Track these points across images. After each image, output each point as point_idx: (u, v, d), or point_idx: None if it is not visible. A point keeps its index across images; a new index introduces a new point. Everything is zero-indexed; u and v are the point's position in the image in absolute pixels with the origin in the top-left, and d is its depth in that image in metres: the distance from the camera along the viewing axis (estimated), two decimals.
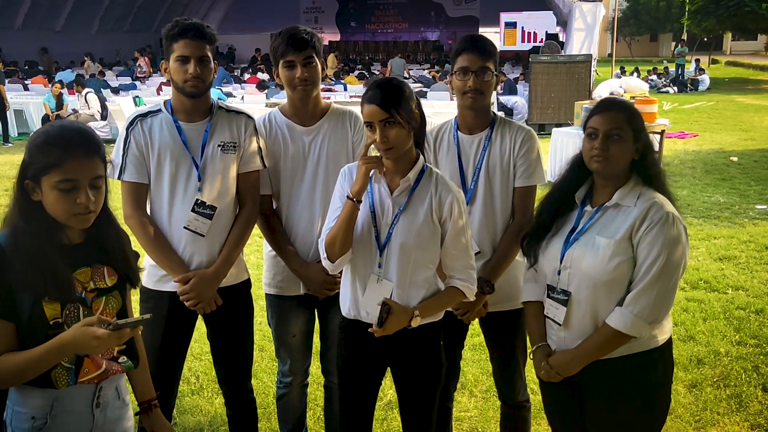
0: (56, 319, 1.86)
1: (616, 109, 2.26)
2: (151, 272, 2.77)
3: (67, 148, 1.85)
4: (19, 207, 1.88)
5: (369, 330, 2.32)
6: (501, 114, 3.11)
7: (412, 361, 2.46)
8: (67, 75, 20.51)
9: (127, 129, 2.71)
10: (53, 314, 1.86)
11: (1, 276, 1.80)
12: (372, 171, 2.40)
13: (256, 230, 2.97)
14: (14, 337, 1.83)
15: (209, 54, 2.65)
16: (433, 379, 2.51)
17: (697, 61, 25.89)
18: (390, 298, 2.35)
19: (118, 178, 2.68)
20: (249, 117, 2.85)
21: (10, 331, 1.82)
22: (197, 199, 2.70)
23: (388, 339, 2.35)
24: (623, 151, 2.23)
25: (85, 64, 21.64)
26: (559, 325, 2.36)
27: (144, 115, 2.74)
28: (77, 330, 1.77)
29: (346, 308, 2.49)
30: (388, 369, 2.57)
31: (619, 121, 2.23)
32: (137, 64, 21.64)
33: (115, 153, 2.74)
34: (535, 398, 3.56)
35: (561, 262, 2.33)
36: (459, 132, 2.82)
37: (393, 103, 2.28)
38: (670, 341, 2.33)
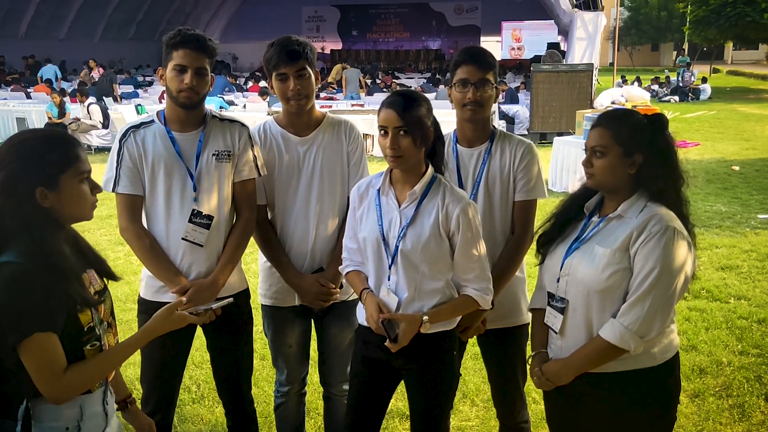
0: (89, 323, 1.91)
1: (604, 125, 2.25)
2: (148, 283, 2.76)
3: (74, 142, 1.93)
4: (27, 219, 1.81)
5: (385, 344, 2.32)
6: (502, 124, 3.11)
7: (425, 370, 2.45)
8: (48, 70, 20.61)
9: (120, 141, 2.69)
10: (87, 320, 1.90)
11: (36, 292, 1.76)
12: (381, 184, 2.43)
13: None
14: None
15: (207, 66, 2.63)
16: (446, 389, 2.50)
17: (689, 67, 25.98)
18: (394, 312, 2.36)
19: (113, 190, 2.65)
20: (243, 125, 2.83)
21: (59, 342, 1.82)
22: (194, 209, 2.68)
23: (402, 347, 2.35)
24: (606, 166, 2.22)
25: (86, 71, 21.40)
26: (556, 333, 2.35)
27: (137, 127, 2.72)
28: (167, 317, 2.05)
29: (362, 317, 2.49)
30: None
31: (603, 138, 2.22)
32: (90, 74, 21.03)
33: (108, 165, 2.71)
34: (537, 407, 3.55)
35: (561, 270, 2.33)
36: (458, 145, 2.79)
37: (411, 114, 2.30)
38: (673, 361, 2.28)
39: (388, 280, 2.40)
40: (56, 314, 1.80)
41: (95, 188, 1.95)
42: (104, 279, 2.08)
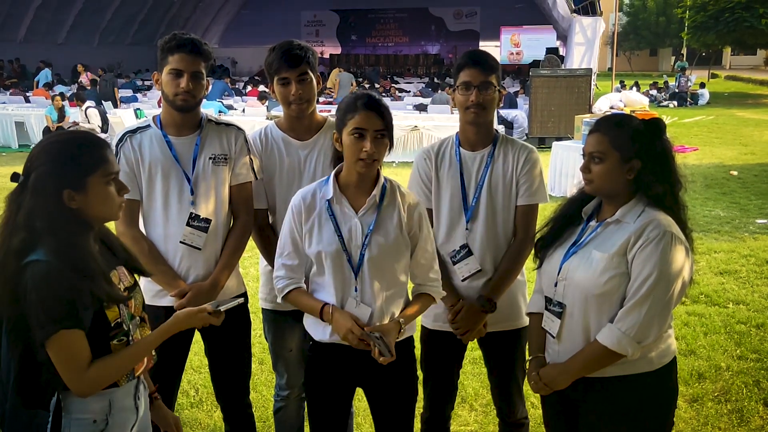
0: (117, 319, 1.97)
1: (602, 131, 2.25)
2: (146, 288, 2.75)
3: (101, 144, 1.98)
4: (54, 220, 1.86)
5: (380, 360, 2.24)
6: (501, 128, 3.12)
7: (387, 379, 2.41)
8: (44, 74, 20.55)
9: (117, 146, 2.70)
10: (114, 316, 1.96)
11: (63, 290, 1.81)
12: (332, 194, 2.35)
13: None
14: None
15: (203, 70, 2.64)
16: (410, 394, 2.50)
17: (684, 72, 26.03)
18: (367, 323, 2.32)
19: None
20: (239, 129, 2.85)
21: (85, 338, 1.88)
22: (191, 213, 2.69)
23: (362, 359, 2.30)
24: (604, 172, 2.22)
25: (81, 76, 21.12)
26: (554, 337, 2.35)
27: (133, 131, 2.73)
28: (191, 315, 2.10)
29: (321, 333, 2.41)
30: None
31: (601, 144, 2.22)
32: (79, 80, 20.74)
33: None
34: (536, 412, 3.55)
35: (558, 274, 2.33)
36: (461, 148, 2.80)
37: (389, 117, 2.28)
38: (670, 366, 2.28)
39: (355, 291, 2.34)
40: (82, 312, 1.85)
41: (122, 189, 2.01)
42: (134, 275, 2.14)
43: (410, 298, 2.50)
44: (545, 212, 2.59)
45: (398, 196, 2.39)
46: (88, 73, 20.88)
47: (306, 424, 3.36)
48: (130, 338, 2.01)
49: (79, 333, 1.85)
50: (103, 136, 13.89)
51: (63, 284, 1.81)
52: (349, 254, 2.34)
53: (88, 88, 18.13)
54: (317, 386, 2.50)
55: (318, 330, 2.43)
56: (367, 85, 21.17)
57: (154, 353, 2.17)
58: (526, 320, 2.77)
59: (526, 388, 2.94)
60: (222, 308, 2.11)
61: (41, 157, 1.90)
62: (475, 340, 2.85)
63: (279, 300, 2.49)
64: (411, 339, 2.49)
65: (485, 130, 2.77)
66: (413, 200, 2.41)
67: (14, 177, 1.91)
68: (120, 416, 2.01)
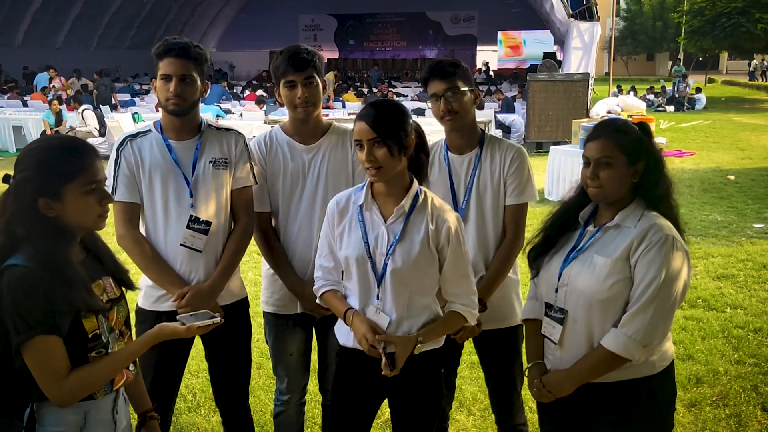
0: (95, 330, 1.91)
1: (606, 136, 2.24)
2: (147, 293, 2.76)
3: (84, 152, 1.92)
4: (32, 227, 1.83)
5: (382, 373, 2.24)
6: (498, 132, 3.14)
7: (411, 392, 2.40)
8: (42, 77, 20.46)
9: (117, 149, 2.72)
10: (92, 327, 1.90)
11: (39, 295, 1.78)
12: (363, 200, 2.35)
13: (255, 247, 2.97)
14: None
15: (194, 73, 2.64)
16: (433, 410, 2.46)
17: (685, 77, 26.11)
18: (386, 332, 2.30)
19: None
20: (239, 134, 2.86)
21: (63, 345, 1.84)
22: (191, 215, 2.70)
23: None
24: (614, 177, 2.21)
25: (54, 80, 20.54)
26: (555, 344, 2.34)
27: (134, 136, 2.75)
28: (169, 331, 2.04)
29: (344, 338, 2.44)
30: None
31: (608, 148, 2.21)
32: (51, 84, 20.32)
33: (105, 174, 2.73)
34: (534, 417, 3.54)
35: (559, 280, 2.32)
36: (449, 152, 2.82)
37: (383, 124, 2.24)
38: (669, 369, 2.29)
39: (377, 299, 2.34)
40: (60, 318, 1.81)
41: (105, 198, 1.94)
42: (121, 288, 2.09)
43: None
44: (542, 216, 2.59)
45: (430, 209, 2.34)
46: (61, 78, 20.65)
47: (305, 428, 3.37)
48: (109, 351, 1.96)
49: (57, 339, 1.81)
50: (100, 139, 13.97)
51: (39, 290, 1.78)
52: (373, 262, 2.33)
53: (61, 92, 17.96)
54: (344, 390, 2.49)
55: (342, 334, 2.45)
56: (365, 90, 21.21)
57: (133, 367, 2.11)
58: (520, 318, 2.78)
59: (524, 393, 2.95)
60: (197, 324, 2.09)
61: (24, 162, 1.87)
62: (473, 343, 2.85)
63: (317, 300, 2.52)
64: (437, 353, 2.42)
65: (468, 133, 2.79)
66: (445, 213, 2.35)
67: (6, 179, 1.90)
68: (96, 429, 1.96)
